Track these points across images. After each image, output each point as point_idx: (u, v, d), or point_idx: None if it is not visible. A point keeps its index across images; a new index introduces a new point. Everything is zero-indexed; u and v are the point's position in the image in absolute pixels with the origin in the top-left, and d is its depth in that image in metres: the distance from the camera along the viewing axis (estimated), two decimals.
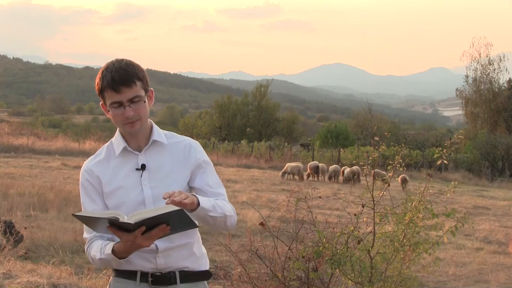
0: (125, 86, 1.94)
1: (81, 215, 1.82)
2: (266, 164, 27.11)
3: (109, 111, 2.00)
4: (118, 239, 1.89)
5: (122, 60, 1.99)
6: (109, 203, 2.04)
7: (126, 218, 1.77)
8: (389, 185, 4.26)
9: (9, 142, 26.74)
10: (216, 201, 2.02)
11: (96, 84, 2.00)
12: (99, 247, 1.98)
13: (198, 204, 1.90)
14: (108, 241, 1.98)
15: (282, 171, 21.45)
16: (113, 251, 1.91)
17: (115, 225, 1.80)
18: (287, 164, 21.84)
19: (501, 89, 41.29)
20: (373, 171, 5.70)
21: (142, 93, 1.99)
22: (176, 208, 1.75)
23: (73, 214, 1.87)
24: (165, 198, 1.81)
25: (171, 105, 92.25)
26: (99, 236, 2.02)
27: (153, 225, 1.79)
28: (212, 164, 2.15)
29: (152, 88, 2.07)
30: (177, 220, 1.80)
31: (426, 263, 4.31)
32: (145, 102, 1.99)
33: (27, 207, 10.08)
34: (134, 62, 2.00)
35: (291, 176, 21.20)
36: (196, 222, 1.91)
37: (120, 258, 1.92)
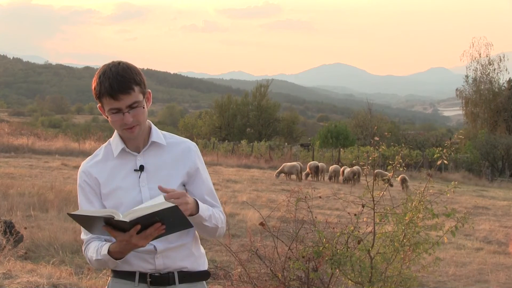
0: (123, 93, 1.93)
1: (76, 215, 1.82)
2: (266, 164, 27.12)
3: (107, 116, 2.00)
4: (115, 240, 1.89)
5: (119, 63, 1.97)
6: (107, 204, 2.04)
7: (122, 216, 1.78)
8: (391, 185, 4.27)
9: (9, 142, 26.75)
10: (213, 211, 2.07)
11: (93, 89, 1.99)
12: (96, 248, 1.98)
13: (197, 211, 1.95)
14: (105, 242, 1.98)
15: (278, 171, 21.25)
16: (109, 251, 1.91)
17: (111, 224, 1.80)
18: (284, 164, 21.68)
19: (501, 89, 41.32)
20: (374, 172, 5.70)
21: (140, 97, 1.98)
22: (171, 204, 1.77)
23: (68, 214, 1.87)
24: (161, 190, 1.88)
25: (171, 105, 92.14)
26: (96, 237, 2.02)
27: (148, 224, 1.80)
28: (206, 170, 2.18)
29: (149, 90, 2.06)
30: (172, 218, 1.81)
31: (426, 263, 4.31)
32: (143, 107, 1.99)
33: (27, 207, 10.08)
34: (130, 65, 1.99)
35: (288, 176, 21.12)
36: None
37: (116, 259, 1.92)
